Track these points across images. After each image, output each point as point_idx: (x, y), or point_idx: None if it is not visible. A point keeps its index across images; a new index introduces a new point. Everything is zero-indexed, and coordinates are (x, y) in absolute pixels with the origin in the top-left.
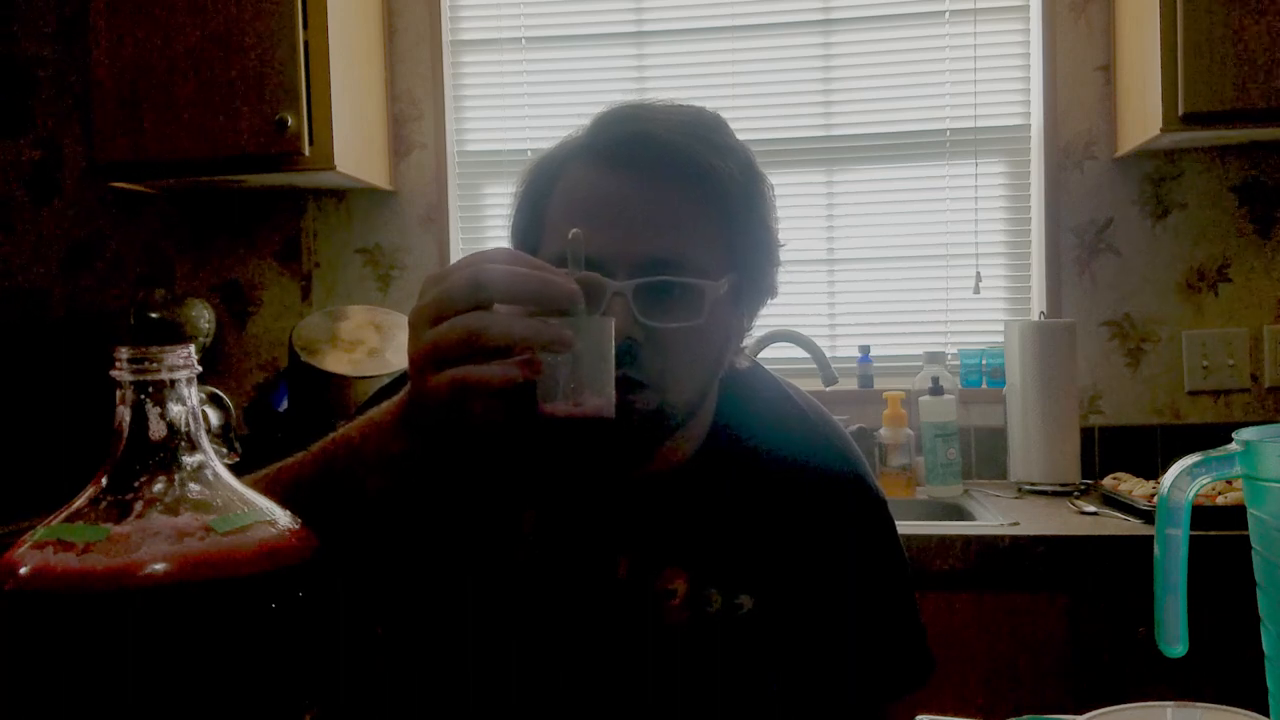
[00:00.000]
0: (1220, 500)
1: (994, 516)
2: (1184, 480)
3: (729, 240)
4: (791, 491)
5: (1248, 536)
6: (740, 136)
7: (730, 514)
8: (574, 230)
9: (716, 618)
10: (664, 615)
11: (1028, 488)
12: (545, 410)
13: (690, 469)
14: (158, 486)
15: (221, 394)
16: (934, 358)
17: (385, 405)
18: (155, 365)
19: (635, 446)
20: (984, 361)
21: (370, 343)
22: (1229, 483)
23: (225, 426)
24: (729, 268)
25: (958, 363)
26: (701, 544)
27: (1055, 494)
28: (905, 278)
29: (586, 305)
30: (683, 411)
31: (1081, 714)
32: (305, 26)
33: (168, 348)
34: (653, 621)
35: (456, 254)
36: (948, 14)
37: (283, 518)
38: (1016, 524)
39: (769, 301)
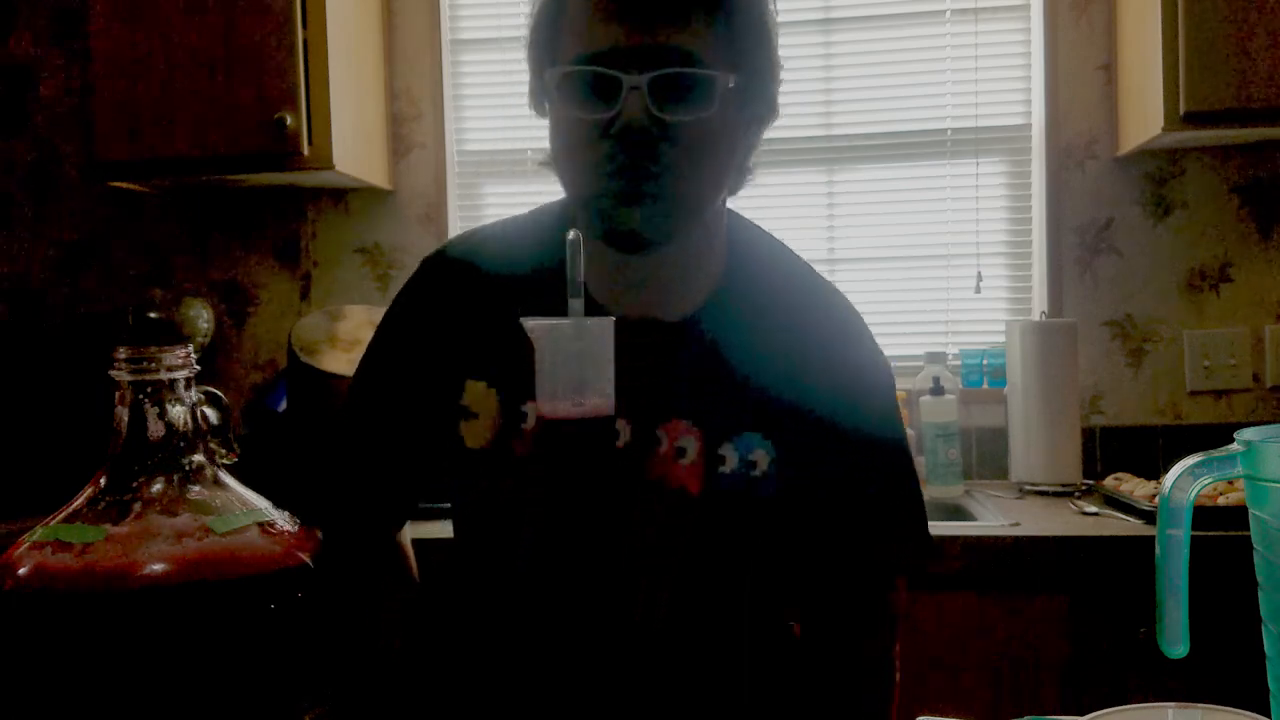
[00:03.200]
0: (1221, 501)
1: (995, 517)
2: (1185, 481)
3: (734, 41)
4: (803, 342)
5: (1249, 537)
6: None
7: (743, 364)
8: (573, 230)
9: (731, 482)
10: (672, 478)
11: (1029, 488)
12: (545, 410)
13: (698, 319)
14: (156, 487)
15: (220, 394)
16: (935, 358)
17: None
18: (154, 365)
19: (647, 234)
20: (985, 361)
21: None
22: (1230, 483)
23: (224, 426)
24: (735, 69)
25: (959, 363)
26: (712, 396)
27: (1056, 494)
28: (906, 278)
29: (604, 103)
30: (692, 208)
31: (1082, 715)
32: (304, 26)
33: (166, 348)
34: (661, 488)
35: None
36: (948, 13)
37: (281, 519)
38: (1018, 524)
39: (771, 124)
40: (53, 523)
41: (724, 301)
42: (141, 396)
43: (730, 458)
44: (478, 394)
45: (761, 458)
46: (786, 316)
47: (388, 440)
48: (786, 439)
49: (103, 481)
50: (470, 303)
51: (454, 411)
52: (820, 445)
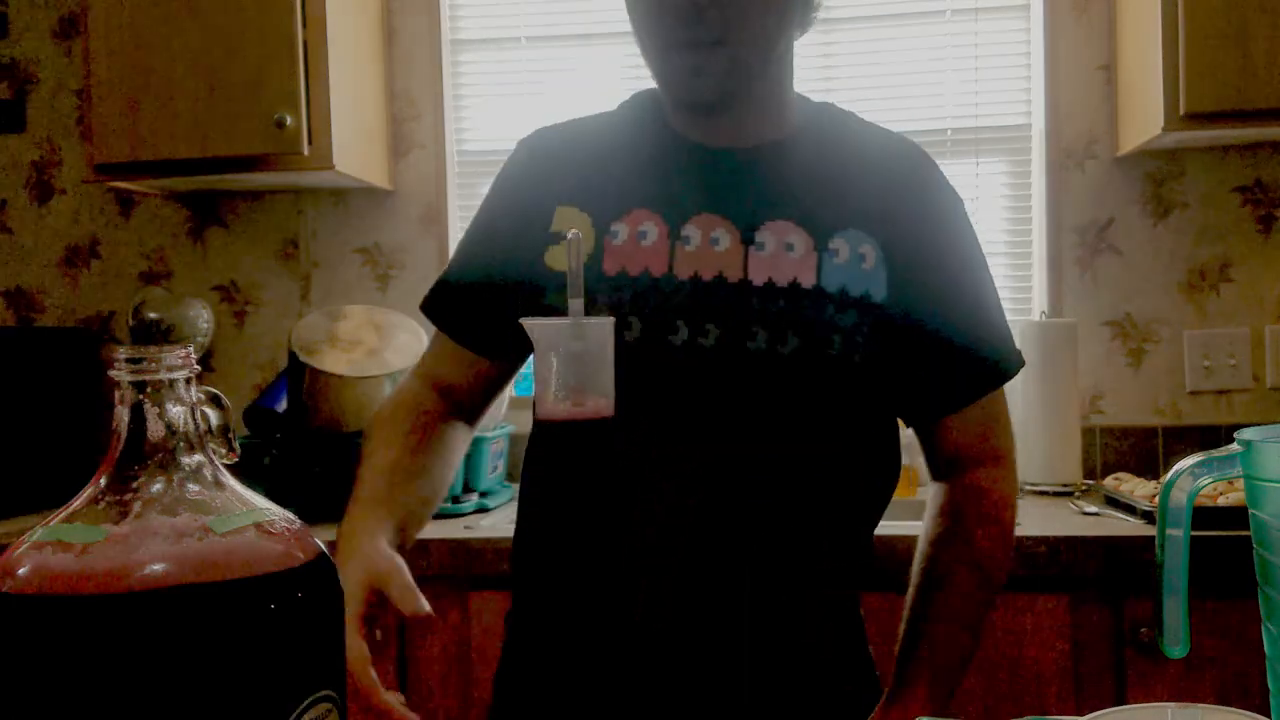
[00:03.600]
0: (1221, 500)
1: None
2: (1185, 481)
3: None
4: (890, 165)
5: (1248, 536)
6: None
7: (837, 177)
8: (573, 231)
9: (845, 275)
10: (781, 274)
11: (1029, 488)
12: (545, 410)
13: (787, 142)
14: (156, 487)
15: (220, 394)
16: None
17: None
18: (153, 365)
19: (718, 101)
20: None
21: (369, 343)
22: (1230, 483)
23: (224, 427)
24: None
25: None
26: (814, 198)
27: (1056, 494)
28: None
29: None
30: (759, 61)
31: (1082, 715)
32: (304, 26)
33: (166, 348)
34: (769, 291)
35: None
36: (948, 13)
37: (282, 518)
38: (1017, 524)
39: None
40: (52, 523)
41: (809, 130)
42: (141, 397)
43: (842, 249)
44: (568, 217)
45: (870, 252)
46: (874, 140)
47: (490, 274)
48: (890, 240)
49: (103, 481)
50: (561, 148)
51: (544, 242)
52: (920, 251)
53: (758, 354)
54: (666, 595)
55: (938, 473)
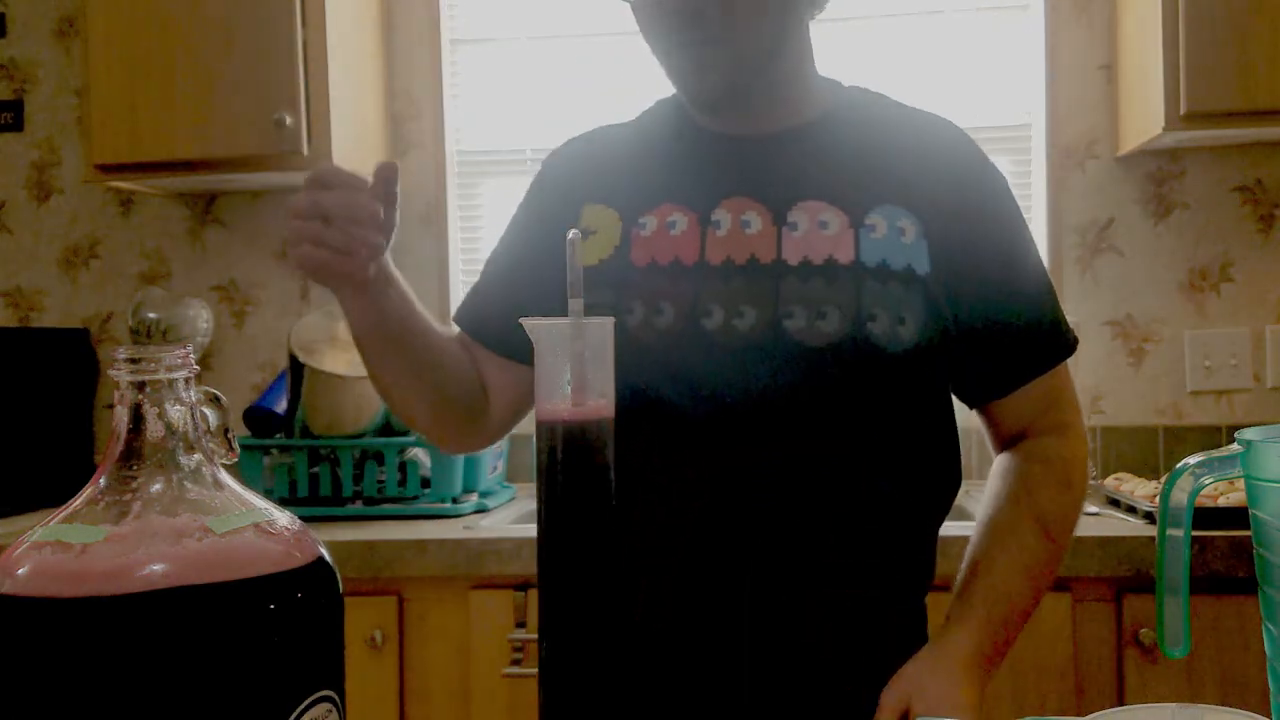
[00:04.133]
0: (1222, 501)
1: None
2: (1186, 481)
3: None
4: (926, 143)
5: (1249, 537)
6: None
7: (871, 155)
8: (572, 231)
9: (884, 250)
10: (817, 253)
11: None
12: (545, 410)
13: (815, 125)
14: (156, 487)
15: (219, 394)
16: None
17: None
18: (153, 365)
19: (726, 97)
20: None
21: None
22: (1230, 483)
23: (223, 427)
24: None
25: None
26: (848, 176)
27: None
28: None
29: None
30: (762, 57)
31: (1083, 715)
32: (303, 25)
33: (165, 347)
34: (805, 271)
35: (455, 253)
36: (948, 13)
37: (282, 518)
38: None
39: None
40: (52, 523)
41: (840, 112)
42: (141, 397)
43: (880, 224)
44: (596, 215)
45: (910, 227)
46: (909, 120)
47: (519, 279)
48: (931, 217)
49: (102, 481)
50: (587, 152)
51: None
52: (965, 228)
53: (797, 332)
54: (666, 595)
55: (1002, 446)
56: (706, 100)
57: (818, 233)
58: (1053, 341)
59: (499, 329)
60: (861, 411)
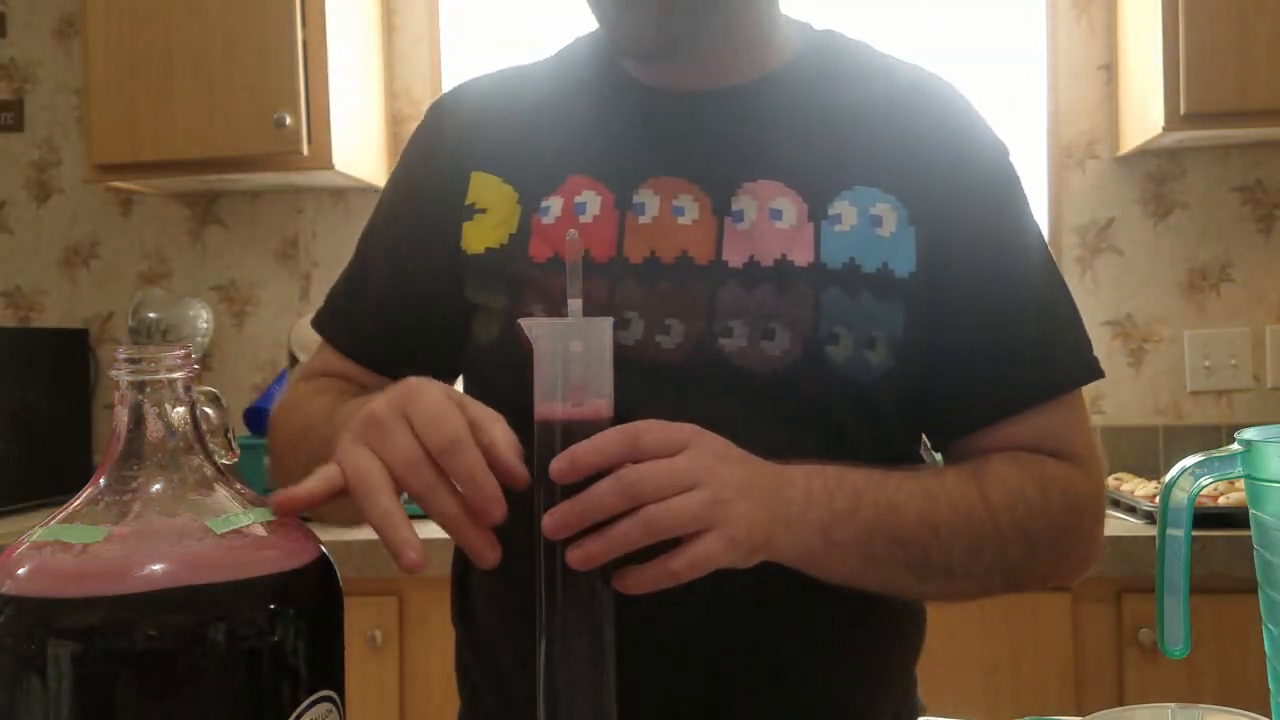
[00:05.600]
0: (1222, 501)
1: None
2: (1186, 480)
3: None
4: (919, 98)
5: (1249, 537)
6: None
7: (840, 117)
8: (571, 231)
9: (854, 244)
10: (766, 251)
11: None
12: (544, 411)
13: (779, 76)
14: (156, 487)
15: (219, 394)
16: None
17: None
18: (153, 365)
19: (654, 43)
20: None
21: None
22: (1230, 483)
23: (223, 426)
24: None
25: None
26: (806, 149)
27: None
28: None
29: None
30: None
31: (1083, 715)
32: (303, 25)
33: (165, 348)
34: (750, 274)
35: None
36: (948, 12)
37: (281, 519)
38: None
39: None
40: (52, 523)
41: (804, 63)
42: (141, 397)
43: (847, 213)
44: (486, 186)
45: (888, 214)
46: (893, 75)
47: (395, 274)
48: (913, 198)
49: (102, 481)
50: (480, 104)
51: (457, 220)
52: (955, 212)
53: (736, 355)
54: (665, 596)
55: None
56: (633, 46)
57: (768, 225)
58: (1063, 361)
59: (384, 347)
60: (815, 457)
